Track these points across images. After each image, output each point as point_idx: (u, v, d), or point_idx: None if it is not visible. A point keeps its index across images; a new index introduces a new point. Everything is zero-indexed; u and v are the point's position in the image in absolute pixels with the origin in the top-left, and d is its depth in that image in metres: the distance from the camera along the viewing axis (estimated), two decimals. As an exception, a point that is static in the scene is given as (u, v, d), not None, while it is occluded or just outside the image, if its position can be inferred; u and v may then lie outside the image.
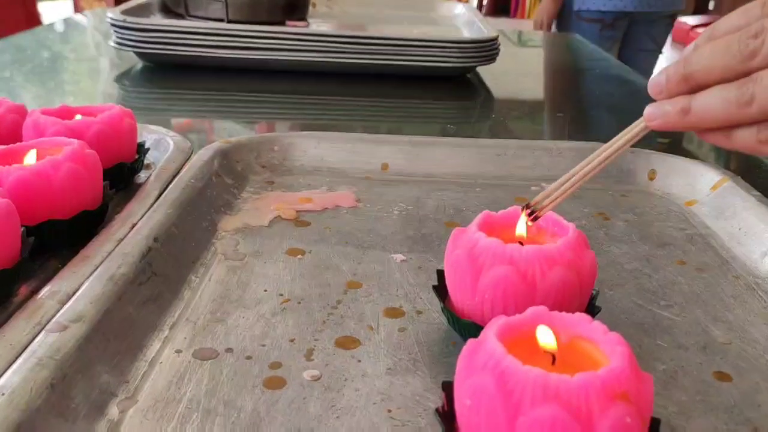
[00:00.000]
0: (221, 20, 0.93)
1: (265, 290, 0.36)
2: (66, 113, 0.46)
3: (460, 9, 1.08)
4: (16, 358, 0.26)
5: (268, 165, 0.52)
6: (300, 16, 0.99)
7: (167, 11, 0.97)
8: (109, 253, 0.34)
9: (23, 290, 0.34)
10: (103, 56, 1.01)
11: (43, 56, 1.00)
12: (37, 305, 0.30)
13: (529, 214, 0.31)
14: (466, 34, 0.95)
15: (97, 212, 0.39)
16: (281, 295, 0.36)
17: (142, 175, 0.48)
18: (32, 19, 1.79)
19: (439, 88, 0.85)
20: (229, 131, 0.69)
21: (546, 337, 0.24)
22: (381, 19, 1.05)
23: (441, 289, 0.33)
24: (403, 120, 0.76)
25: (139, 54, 0.85)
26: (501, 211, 0.33)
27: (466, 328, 0.30)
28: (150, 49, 0.82)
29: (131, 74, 0.87)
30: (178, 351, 0.31)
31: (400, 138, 0.54)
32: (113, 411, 0.27)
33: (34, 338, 0.27)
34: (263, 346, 0.31)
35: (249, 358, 0.31)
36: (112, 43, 0.84)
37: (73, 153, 0.38)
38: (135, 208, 0.40)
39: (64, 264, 0.36)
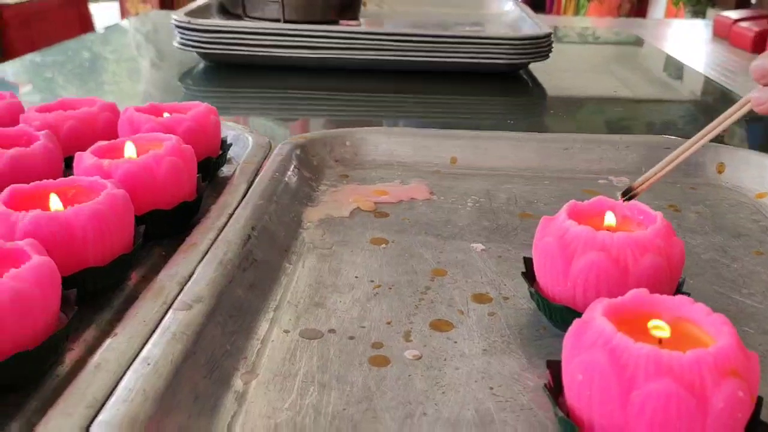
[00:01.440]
0: (277, 20, 0.95)
1: (356, 277, 0.38)
2: (155, 110, 0.49)
3: (509, 6, 1.09)
4: (152, 333, 0.29)
5: (341, 159, 0.54)
6: (353, 15, 1.01)
7: (225, 12, 1.00)
8: (214, 241, 0.37)
9: (133, 275, 0.37)
10: (165, 57, 1.05)
11: (105, 57, 1.04)
12: (159, 287, 0.32)
13: (624, 195, 0.33)
14: (517, 30, 0.96)
15: (194, 203, 0.42)
16: (372, 281, 0.38)
17: (224, 170, 0.51)
18: (84, 21, 1.85)
19: (491, 84, 0.86)
20: (288, 127, 0.72)
21: (658, 322, 0.26)
22: (430, 17, 1.07)
23: (529, 276, 0.34)
24: (457, 116, 0.78)
25: (201, 54, 0.88)
26: (587, 201, 0.34)
27: (558, 312, 0.32)
28: (212, 49, 0.85)
29: (193, 74, 0.90)
30: (286, 331, 0.33)
31: (467, 133, 0.56)
32: (238, 383, 0.29)
33: (163, 316, 0.30)
34: (363, 327, 0.33)
35: (351, 338, 0.32)
36: (176, 44, 0.87)
37: (173, 147, 0.41)
38: (228, 199, 0.42)
39: (167, 251, 0.39)
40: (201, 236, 0.37)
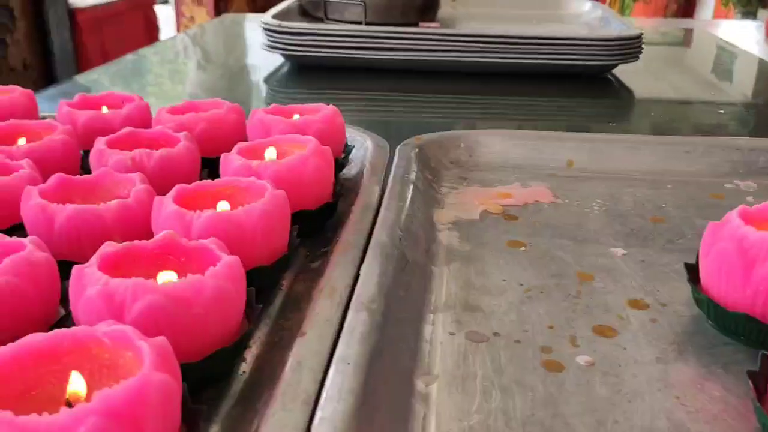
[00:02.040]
0: (358, 23, 0.96)
1: (504, 280, 0.38)
2: (282, 112, 0.50)
3: (587, 6, 1.08)
4: (338, 332, 0.29)
5: (455, 161, 0.54)
6: (432, 16, 1.02)
7: (305, 15, 1.01)
8: (367, 242, 0.37)
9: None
10: (243, 59, 1.06)
11: (190, 60, 1.06)
12: (331, 287, 0.32)
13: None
14: (599, 31, 0.95)
15: (334, 204, 0.42)
16: (521, 284, 0.38)
17: (344, 171, 0.51)
18: (150, 25, 1.89)
19: (572, 86, 0.85)
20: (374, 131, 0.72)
21: None
22: (507, 18, 1.06)
23: (694, 282, 0.34)
24: (543, 118, 0.77)
25: (287, 56, 0.89)
26: (755, 206, 0.34)
27: (735, 320, 0.31)
28: (298, 51, 0.86)
29: (277, 76, 0.91)
30: (452, 333, 0.33)
31: (583, 135, 0.55)
32: (420, 384, 0.29)
33: (343, 316, 0.30)
34: (525, 331, 0.33)
35: (518, 342, 0.32)
36: (263, 46, 0.88)
37: (316, 149, 0.41)
38: (365, 200, 0.43)
39: (311, 250, 0.40)
40: (353, 237, 0.38)
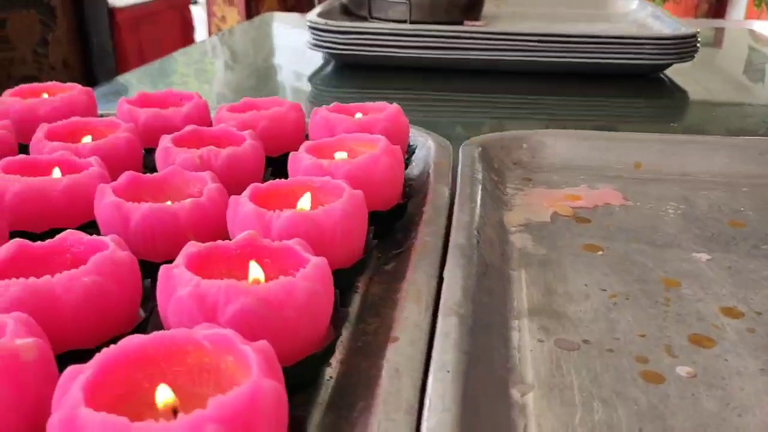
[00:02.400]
0: (402, 21, 0.95)
1: (585, 285, 0.37)
2: (343, 110, 0.49)
3: (634, 4, 1.06)
4: (430, 338, 0.28)
5: (518, 162, 0.53)
6: (476, 15, 1.00)
7: (348, 14, 1.01)
8: (445, 245, 0.36)
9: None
10: (283, 59, 1.06)
11: (229, 60, 1.06)
12: (416, 290, 0.31)
13: None
14: (653, 29, 0.93)
15: (404, 205, 0.41)
16: (603, 290, 0.36)
17: (407, 172, 0.50)
18: (186, 24, 1.90)
19: (622, 86, 0.83)
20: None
21: None
22: (552, 17, 1.04)
23: (795, 290, 0.32)
24: (596, 118, 0.75)
25: (333, 55, 0.88)
26: None
27: None
28: (344, 50, 0.85)
29: (321, 75, 0.90)
30: (540, 340, 0.32)
31: (650, 136, 0.54)
32: (515, 394, 0.28)
33: (432, 321, 0.29)
34: (617, 339, 0.32)
35: (611, 351, 0.31)
36: (308, 45, 0.88)
37: (386, 148, 0.40)
38: (436, 201, 0.41)
39: (382, 252, 0.38)
40: (430, 239, 0.36)
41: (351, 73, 0.89)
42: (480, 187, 0.45)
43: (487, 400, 0.26)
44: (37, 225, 0.37)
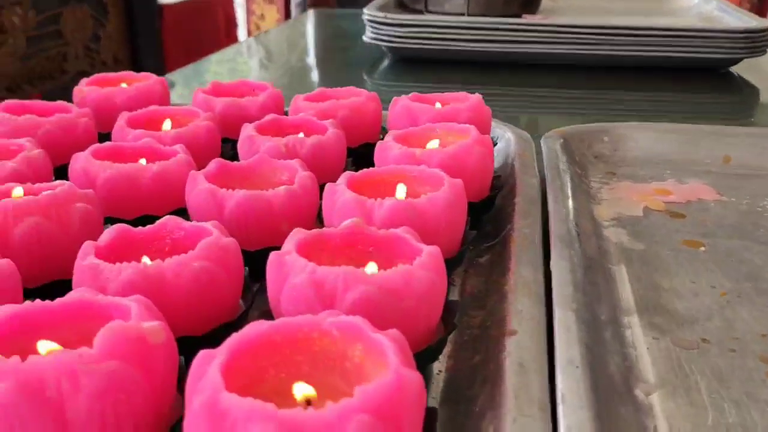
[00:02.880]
0: (459, 14, 0.94)
1: (692, 282, 0.35)
2: (423, 99, 0.47)
3: (698, -1, 1.03)
4: (549, 331, 0.27)
5: (599, 155, 0.51)
6: (534, 8, 0.98)
7: (402, 7, 0.99)
8: (545, 237, 0.35)
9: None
10: (337, 54, 1.06)
11: (285, 55, 1.06)
12: (523, 283, 0.30)
13: None
14: (722, 23, 0.90)
15: (493, 196, 0.40)
16: (713, 287, 0.34)
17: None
18: (229, 22, 1.91)
19: (689, 80, 0.80)
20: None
21: None
22: (612, 11, 1.01)
23: None
24: (665, 113, 0.73)
25: (390, 48, 0.87)
26: None
27: None
28: (402, 43, 0.84)
29: (379, 70, 0.89)
30: (655, 338, 0.30)
31: (739, 129, 0.51)
32: (639, 393, 0.26)
33: (549, 314, 0.28)
34: (737, 339, 0.30)
35: (733, 350, 0.29)
36: (366, 38, 0.87)
37: (478, 138, 0.39)
38: (527, 194, 0.40)
39: (473, 244, 0.37)
40: (528, 231, 0.35)
41: (406, 67, 0.88)
42: (567, 179, 0.43)
43: (616, 398, 0.25)
44: (127, 211, 0.37)
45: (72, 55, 1.33)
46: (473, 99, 0.46)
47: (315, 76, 0.91)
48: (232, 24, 1.93)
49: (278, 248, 0.34)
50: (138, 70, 1.68)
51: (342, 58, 1.02)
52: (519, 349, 0.25)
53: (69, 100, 0.50)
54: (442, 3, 0.97)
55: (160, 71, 1.62)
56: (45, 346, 0.22)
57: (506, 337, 0.26)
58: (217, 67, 0.96)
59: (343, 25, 1.25)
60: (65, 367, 0.19)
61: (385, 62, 0.91)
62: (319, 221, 0.37)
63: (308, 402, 0.21)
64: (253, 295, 0.30)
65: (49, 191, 0.32)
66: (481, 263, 0.36)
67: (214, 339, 0.27)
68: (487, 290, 0.33)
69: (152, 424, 0.22)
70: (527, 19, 0.92)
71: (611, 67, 0.84)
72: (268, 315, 0.28)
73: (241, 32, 3.05)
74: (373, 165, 0.49)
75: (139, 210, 0.37)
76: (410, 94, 0.48)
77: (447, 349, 0.29)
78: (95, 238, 0.33)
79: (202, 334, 0.27)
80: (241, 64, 0.99)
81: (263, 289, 0.30)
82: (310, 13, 1.36)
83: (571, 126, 0.52)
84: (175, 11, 1.60)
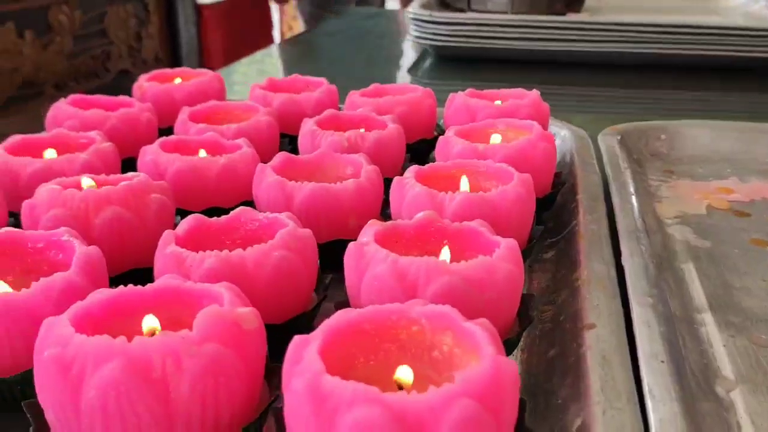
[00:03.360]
0: (503, 12, 0.93)
1: (764, 280, 0.34)
2: (482, 96, 0.48)
3: (744, -2, 1.01)
4: (628, 326, 0.26)
5: (656, 153, 0.50)
6: (578, 7, 0.97)
7: (445, 6, 0.99)
8: (612, 233, 0.34)
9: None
10: (379, 51, 1.06)
11: (326, 49, 1.07)
12: (597, 277, 0.30)
13: None
14: (760, 23, 0.88)
15: (554, 193, 0.40)
16: (786, 286, 0.34)
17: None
18: (266, 20, 1.93)
19: (736, 79, 0.79)
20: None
21: None
22: (658, 9, 1.00)
23: None
24: (712, 112, 0.72)
25: (434, 47, 0.88)
26: None
27: None
28: (447, 41, 0.84)
29: (423, 68, 0.89)
30: (731, 336, 0.30)
31: (802, 128, 0.51)
32: (720, 390, 0.26)
33: (626, 308, 0.28)
34: (816, 338, 0.30)
35: (813, 349, 0.29)
36: (409, 37, 0.87)
37: (542, 134, 0.39)
38: (590, 189, 0.40)
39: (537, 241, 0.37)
40: (595, 227, 0.35)
41: (448, 65, 0.88)
42: (628, 177, 0.43)
43: (699, 394, 0.25)
44: (194, 203, 0.37)
45: (115, 54, 1.36)
46: (532, 95, 0.46)
47: (359, 73, 0.91)
48: (268, 22, 1.95)
49: (344, 241, 0.35)
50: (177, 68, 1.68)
51: (380, 56, 1.02)
52: (599, 342, 0.25)
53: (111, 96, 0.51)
54: (484, 1, 0.96)
55: (198, 67, 1.64)
56: (149, 322, 0.23)
57: (585, 330, 0.26)
58: (247, 68, 0.97)
59: (368, 25, 1.26)
60: (169, 349, 0.20)
61: (427, 61, 0.91)
62: (381, 214, 0.37)
63: (400, 387, 0.21)
64: (326, 286, 0.30)
65: (125, 182, 0.33)
66: (546, 258, 0.36)
67: (292, 328, 0.28)
68: (555, 285, 0.32)
69: (245, 406, 0.22)
70: (572, 17, 0.92)
71: (656, 65, 0.83)
72: (343, 305, 0.29)
73: (275, 31, 3.07)
74: (426, 160, 0.50)
75: (207, 202, 0.37)
76: (466, 90, 0.48)
77: (520, 343, 0.29)
78: (168, 228, 0.34)
79: (280, 324, 0.28)
80: (269, 65, 1.00)
81: (333, 281, 0.31)
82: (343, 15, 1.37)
83: (627, 123, 0.52)
84: (213, 11, 1.63)
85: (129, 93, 0.51)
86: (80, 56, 1.27)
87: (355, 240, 0.34)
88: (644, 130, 0.51)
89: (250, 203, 0.38)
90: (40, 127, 0.46)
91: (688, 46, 0.79)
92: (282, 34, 3.00)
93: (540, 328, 0.30)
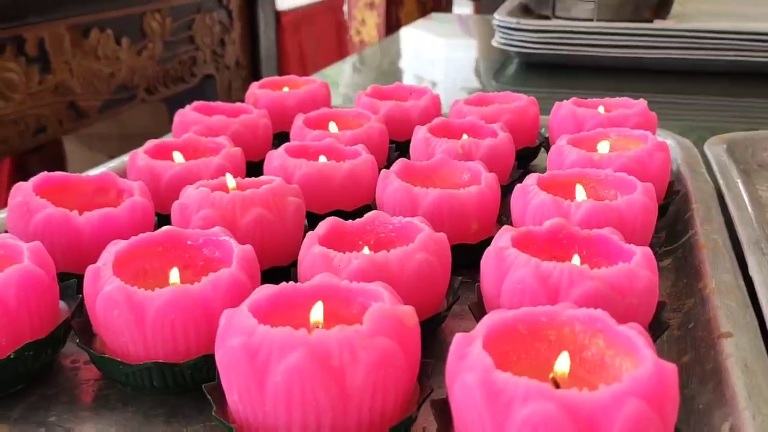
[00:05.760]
0: (588, 20, 0.93)
1: None
2: (586, 105, 0.48)
3: None
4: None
5: (763, 163, 0.50)
6: (664, 14, 0.96)
7: (529, 13, 1.00)
8: (757, 246, 0.34)
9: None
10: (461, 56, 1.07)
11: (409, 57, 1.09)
12: (726, 287, 0.30)
13: None
14: None
15: (669, 203, 0.40)
16: None
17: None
18: (340, 26, 1.97)
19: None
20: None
21: None
22: (746, 16, 0.98)
23: None
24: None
25: (520, 54, 0.88)
26: None
27: None
28: (533, 48, 0.85)
29: (507, 74, 0.90)
30: None
31: None
32: None
33: (760, 318, 0.28)
34: None
35: None
36: (494, 43, 0.88)
37: (657, 143, 0.39)
38: (704, 199, 0.40)
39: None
40: (716, 237, 0.35)
41: (532, 71, 0.89)
42: (741, 186, 0.43)
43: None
44: (320, 206, 0.40)
45: (201, 60, 1.41)
46: (640, 104, 0.46)
47: (445, 79, 0.93)
48: (343, 28, 1.99)
49: (466, 245, 0.36)
50: (256, 74, 1.74)
51: (462, 63, 1.03)
52: (738, 350, 0.26)
53: (196, 100, 0.53)
54: (569, 8, 0.96)
55: (276, 73, 1.69)
56: (316, 314, 0.25)
57: (722, 339, 0.27)
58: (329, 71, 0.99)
59: (442, 31, 1.27)
60: (346, 341, 0.22)
61: (511, 66, 0.92)
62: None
63: (556, 385, 0.23)
64: (456, 289, 0.32)
65: (266, 185, 0.35)
66: (663, 267, 0.36)
67: (427, 329, 0.30)
68: (677, 293, 0.33)
69: (407, 396, 0.24)
70: (658, 23, 0.91)
71: (747, 73, 0.81)
72: (477, 307, 0.30)
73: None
74: (530, 167, 0.51)
75: (331, 204, 0.40)
76: (571, 99, 0.49)
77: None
78: (301, 229, 0.36)
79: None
80: (344, 72, 1.03)
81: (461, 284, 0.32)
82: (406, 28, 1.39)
83: (734, 133, 0.51)
84: (291, 17, 1.67)
85: (213, 97, 0.54)
86: (169, 62, 1.33)
87: (476, 245, 0.36)
88: (751, 140, 0.51)
89: (369, 207, 0.40)
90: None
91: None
92: (350, 37, 3.05)
93: (667, 334, 0.30)
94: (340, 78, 0.96)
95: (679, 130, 0.52)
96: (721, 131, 0.52)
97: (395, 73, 0.98)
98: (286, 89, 0.56)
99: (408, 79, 0.95)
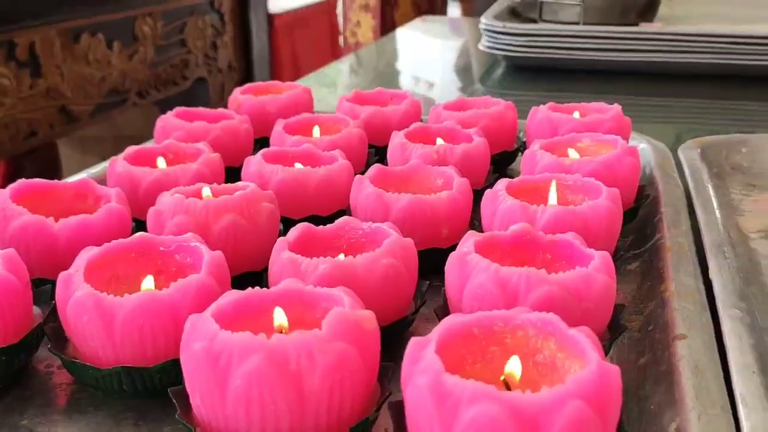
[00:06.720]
0: (574, 23, 0.94)
1: None
2: (562, 110, 0.49)
3: (829, 3, 0.98)
4: (717, 337, 0.28)
5: (737, 166, 0.51)
6: (651, 17, 0.97)
7: (517, 16, 1.01)
8: (720, 250, 0.35)
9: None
10: (451, 60, 1.08)
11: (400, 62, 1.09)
12: (684, 291, 0.31)
13: None
14: None
15: (637, 208, 0.41)
16: None
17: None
18: (333, 29, 1.98)
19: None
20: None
21: None
22: (734, 18, 0.98)
23: None
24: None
25: (507, 57, 0.89)
26: None
27: None
28: (518, 52, 0.86)
29: (493, 78, 0.91)
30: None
31: None
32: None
33: (715, 320, 0.29)
34: None
35: None
36: (481, 47, 0.89)
37: (627, 148, 0.40)
38: (672, 203, 0.41)
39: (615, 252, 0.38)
40: (682, 240, 0.36)
41: (518, 75, 0.90)
42: (711, 190, 0.43)
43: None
44: (295, 211, 0.40)
45: (193, 63, 1.42)
46: (614, 109, 0.47)
47: (434, 82, 0.94)
48: (335, 30, 2.00)
49: (436, 249, 0.37)
50: (249, 76, 1.74)
51: (451, 66, 1.04)
52: (692, 352, 0.27)
53: (188, 104, 0.55)
54: (556, 12, 0.97)
55: (269, 77, 1.70)
56: (279, 318, 0.25)
57: (677, 341, 0.28)
58: (318, 77, 1.00)
59: (435, 32, 1.28)
60: (304, 345, 0.23)
61: (497, 70, 0.92)
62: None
63: (507, 387, 0.23)
64: (424, 293, 0.33)
65: (240, 191, 0.36)
66: (630, 270, 0.37)
67: (394, 332, 0.30)
68: (641, 296, 0.34)
69: (365, 400, 0.25)
70: (644, 27, 0.92)
71: (732, 76, 0.82)
72: (442, 311, 0.31)
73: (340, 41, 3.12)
74: (507, 171, 0.52)
75: (306, 210, 0.40)
76: (547, 104, 0.50)
77: (610, 351, 0.30)
78: (275, 235, 0.37)
79: (383, 327, 0.30)
80: (338, 74, 1.03)
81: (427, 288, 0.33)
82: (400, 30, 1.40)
83: (708, 136, 0.52)
84: (284, 20, 1.68)
85: (206, 100, 0.55)
86: (161, 65, 1.34)
87: (446, 249, 0.37)
88: (726, 143, 0.51)
89: (344, 212, 0.41)
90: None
91: (763, 57, 0.78)
92: (345, 40, 3.06)
93: (628, 336, 0.31)
94: (338, 78, 0.97)
95: (661, 132, 0.53)
96: (704, 134, 0.53)
97: (392, 75, 0.99)
98: (269, 95, 0.57)
99: (406, 80, 0.96)
